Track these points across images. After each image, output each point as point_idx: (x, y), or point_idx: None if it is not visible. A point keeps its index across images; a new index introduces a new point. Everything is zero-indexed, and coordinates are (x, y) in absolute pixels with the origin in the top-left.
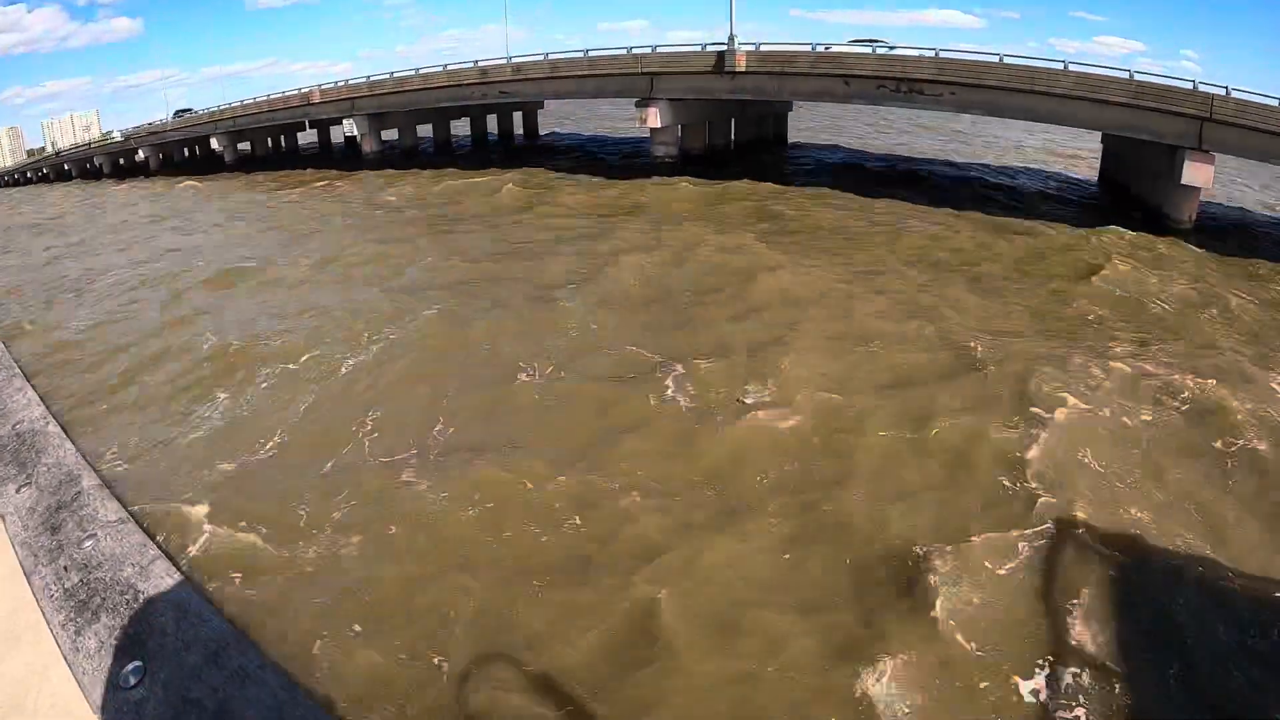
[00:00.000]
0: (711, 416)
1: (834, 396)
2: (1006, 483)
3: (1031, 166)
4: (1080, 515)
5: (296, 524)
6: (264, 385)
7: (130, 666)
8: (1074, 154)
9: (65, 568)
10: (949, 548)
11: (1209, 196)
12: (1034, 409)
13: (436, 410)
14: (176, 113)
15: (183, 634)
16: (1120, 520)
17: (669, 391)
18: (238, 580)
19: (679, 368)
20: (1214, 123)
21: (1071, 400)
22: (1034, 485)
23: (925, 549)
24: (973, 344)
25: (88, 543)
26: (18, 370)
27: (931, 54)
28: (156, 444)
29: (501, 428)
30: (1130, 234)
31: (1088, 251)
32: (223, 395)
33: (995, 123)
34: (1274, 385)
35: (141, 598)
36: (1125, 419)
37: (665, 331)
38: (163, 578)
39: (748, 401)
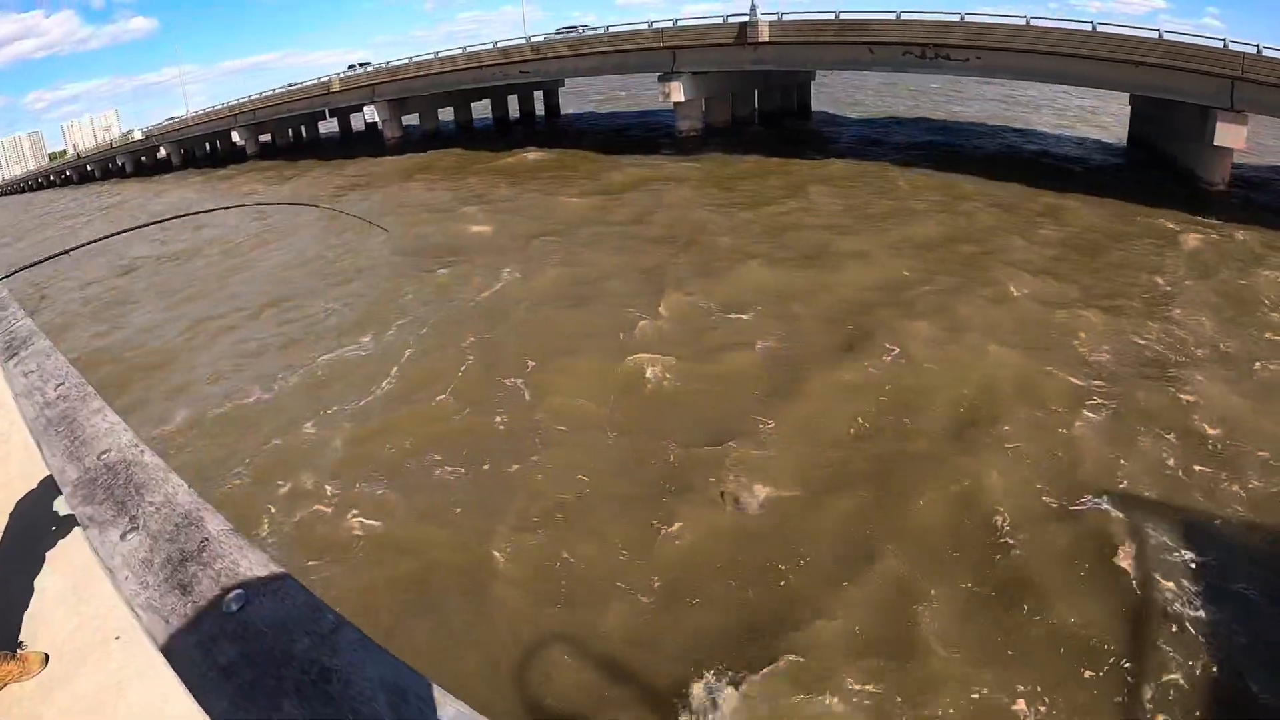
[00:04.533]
0: None
1: None
2: None
3: (1058, 131)
4: None
5: None
6: None
7: None
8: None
9: (213, 638)
10: None
11: (1242, 157)
12: None
13: None
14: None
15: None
16: None
17: None
18: None
19: None
20: (1246, 82)
21: None
22: None
23: None
24: None
25: (235, 605)
26: (92, 390)
27: (957, 18)
28: None
29: None
30: None
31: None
32: None
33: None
34: None
35: (335, 677)
36: None
37: None
38: (356, 652)
39: None
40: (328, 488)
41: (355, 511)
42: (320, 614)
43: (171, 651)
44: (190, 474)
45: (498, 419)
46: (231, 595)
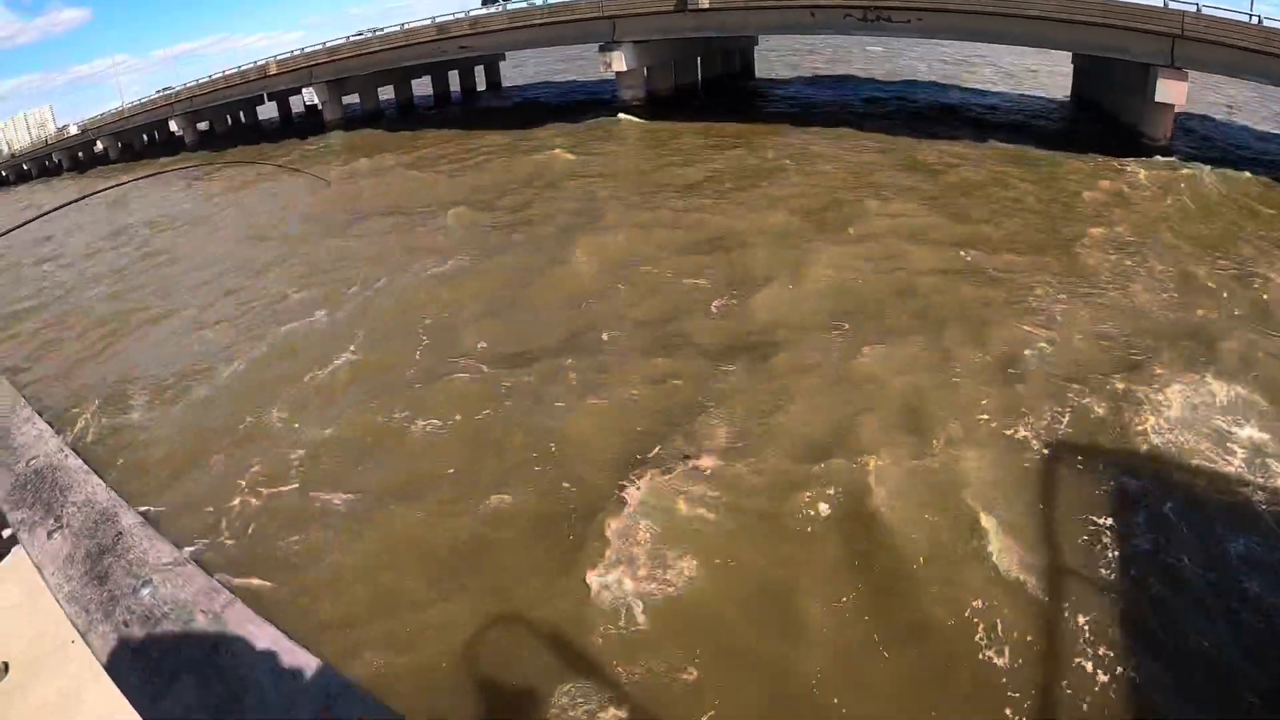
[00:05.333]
0: None
1: None
2: None
3: (1001, 89)
4: None
5: None
6: None
7: None
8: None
9: (125, 623)
10: None
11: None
12: None
13: None
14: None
15: (284, 689)
16: None
17: None
18: None
19: None
20: (1186, 40)
21: None
22: None
23: None
24: None
25: (144, 591)
26: (22, 399)
27: None
28: None
29: None
30: None
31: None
32: None
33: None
34: None
35: (225, 650)
36: None
37: None
38: (244, 625)
39: None
40: None
41: None
42: (215, 594)
43: (89, 634)
44: None
45: None
46: (141, 582)
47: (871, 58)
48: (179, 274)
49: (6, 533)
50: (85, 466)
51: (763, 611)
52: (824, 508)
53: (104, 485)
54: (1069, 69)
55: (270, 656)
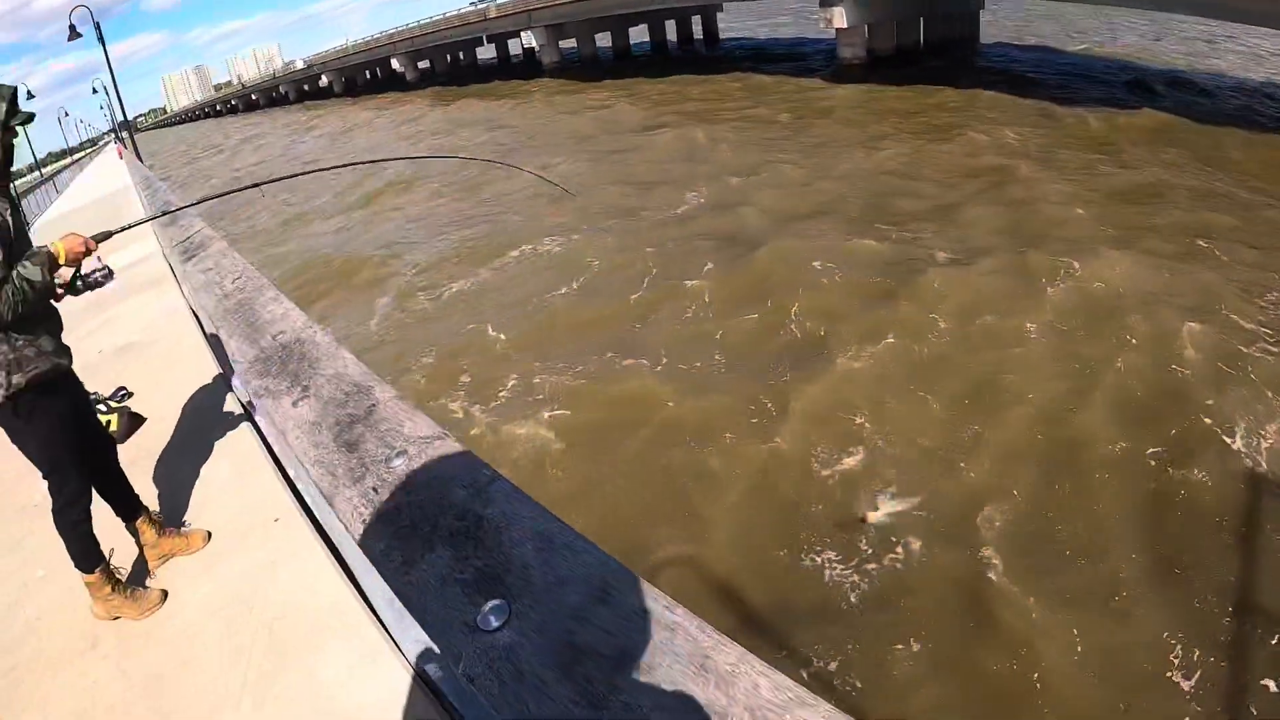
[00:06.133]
0: None
1: None
2: None
3: (1236, 73)
4: None
5: None
6: None
7: (490, 605)
8: None
9: (375, 489)
10: None
11: None
12: None
13: None
14: None
15: (552, 567)
16: None
17: None
18: None
19: None
20: None
21: None
22: None
23: None
24: None
25: (397, 460)
26: (266, 280)
27: None
28: None
29: None
30: None
31: None
32: None
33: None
34: None
35: (487, 524)
36: None
37: None
38: (508, 502)
39: None
40: None
41: None
42: (477, 469)
43: (335, 498)
44: None
45: None
46: (395, 452)
47: (1097, 30)
48: None
49: (239, 409)
50: (335, 342)
51: None
52: None
53: (356, 360)
54: None
55: (538, 537)
